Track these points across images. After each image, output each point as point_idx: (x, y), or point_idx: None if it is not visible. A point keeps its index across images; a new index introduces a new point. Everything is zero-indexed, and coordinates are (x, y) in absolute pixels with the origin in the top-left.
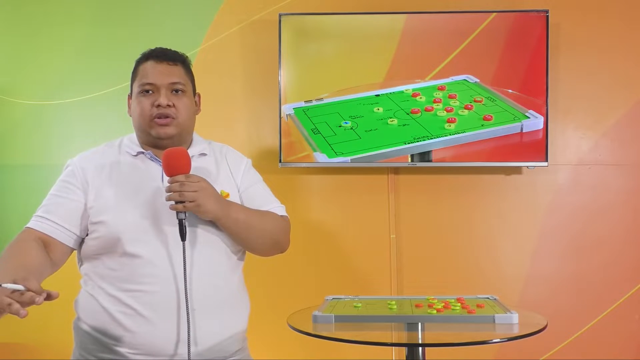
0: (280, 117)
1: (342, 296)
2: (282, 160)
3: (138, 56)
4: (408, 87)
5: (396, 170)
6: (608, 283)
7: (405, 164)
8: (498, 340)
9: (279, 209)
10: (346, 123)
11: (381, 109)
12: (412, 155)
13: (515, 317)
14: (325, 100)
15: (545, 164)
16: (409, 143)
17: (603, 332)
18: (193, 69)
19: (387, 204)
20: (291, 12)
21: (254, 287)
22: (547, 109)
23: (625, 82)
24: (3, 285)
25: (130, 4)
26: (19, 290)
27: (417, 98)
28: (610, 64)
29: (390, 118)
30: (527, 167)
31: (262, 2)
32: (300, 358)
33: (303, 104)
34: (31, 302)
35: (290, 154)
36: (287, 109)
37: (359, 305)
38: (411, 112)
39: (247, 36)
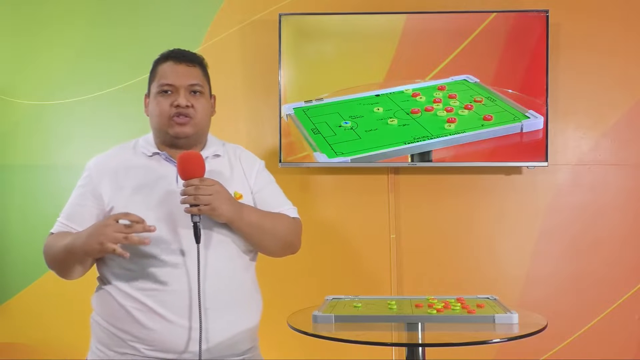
0: (280, 117)
1: (342, 296)
2: (282, 160)
3: (156, 56)
4: (408, 87)
5: (396, 170)
6: (608, 283)
7: (405, 164)
8: (498, 340)
9: (291, 210)
10: (346, 123)
11: (381, 109)
12: (412, 155)
13: (515, 317)
14: (325, 100)
15: (545, 164)
16: (409, 143)
17: (603, 332)
18: None
19: (387, 204)
20: (291, 12)
21: None
22: (547, 109)
23: (625, 82)
24: (120, 221)
25: (130, 4)
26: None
27: (417, 98)
28: (610, 64)
29: (390, 118)
30: (527, 167)
31: (262, 2)
32: (300, 358)
33: (303, 104)
34: (145, 230)
35: (290, 154)
36: (287, 109)
37: (359, 305)
38: (411, 112)
39: (247, 36)
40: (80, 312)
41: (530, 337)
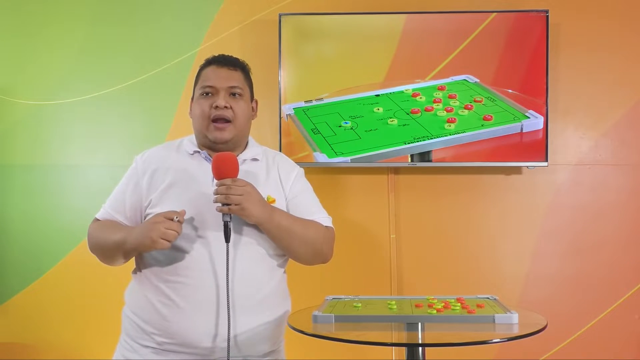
0: (280, 117)
1: (342, 296)
2: None
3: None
4: (408, 87)
5: (396, 170)
6: (608, 283)
7: (405, 164)
8: (498, 340)
9: (325, 219)
10: (346, 123)
11: (381, 109)
12: (412, 155)
13: (515, 317)
14: (325, 100)
15: (545, 164)
16: (409, 143)
17: (603, 332)
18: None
19: (387, 204)
20: (291, 12)
21: None
22: (547, 109)
23: (625, 82)
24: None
25: (131, 4)
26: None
27: (417, 98)
28: (610, 64)
29: (390, 118)
30: (527, 167)
31: (262, 2)
32: (300, 358)
33: (303, 104)
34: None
35: (290, 154)
36: (287, 109)
37: (359, 305)
38: (411, 112)
39: (247, 36)
40: (80, 312)
41: (530, 337)
